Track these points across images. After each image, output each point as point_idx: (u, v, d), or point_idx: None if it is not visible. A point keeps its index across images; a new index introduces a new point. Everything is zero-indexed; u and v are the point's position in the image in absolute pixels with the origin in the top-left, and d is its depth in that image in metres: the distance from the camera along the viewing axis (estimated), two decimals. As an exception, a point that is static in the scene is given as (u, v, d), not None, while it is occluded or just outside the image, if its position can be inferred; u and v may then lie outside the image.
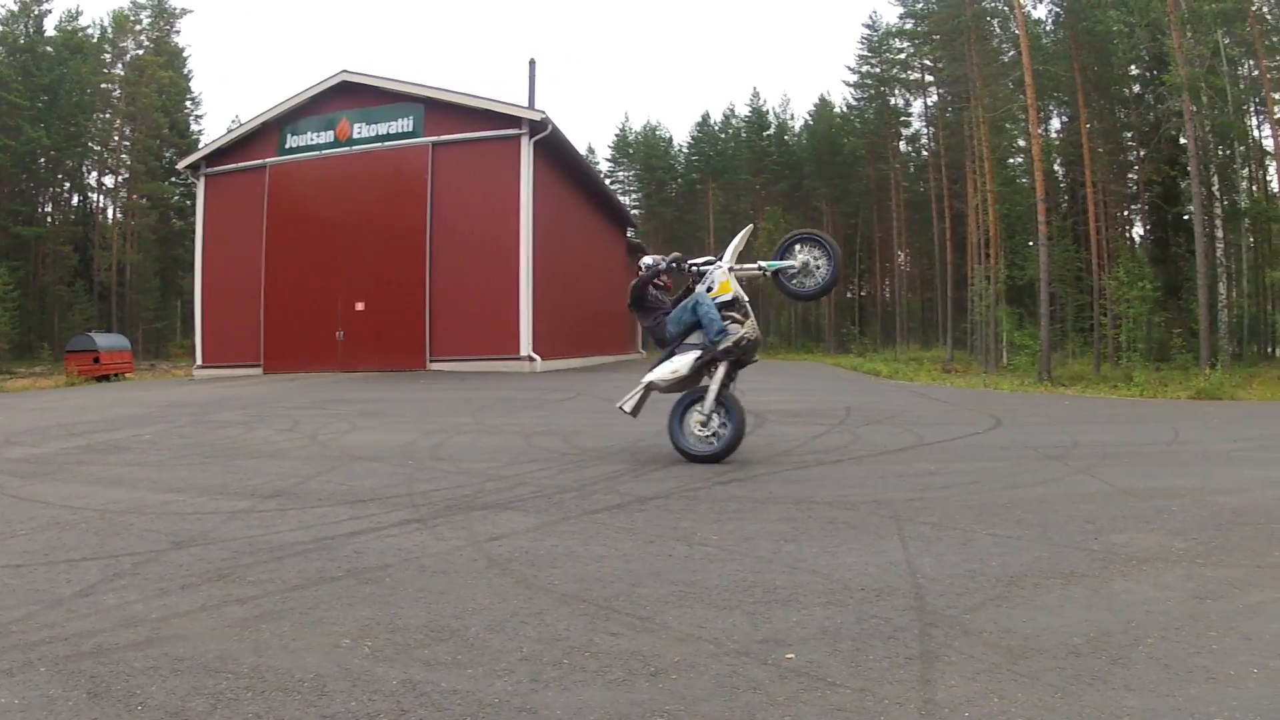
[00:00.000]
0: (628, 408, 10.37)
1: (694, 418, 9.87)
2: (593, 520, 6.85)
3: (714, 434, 9.80)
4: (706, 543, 6.10)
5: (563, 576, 5.31)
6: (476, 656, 4.00)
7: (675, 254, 10.68)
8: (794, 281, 10.17)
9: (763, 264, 10.25)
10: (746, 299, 10.11)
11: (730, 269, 10.09)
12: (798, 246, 10.21)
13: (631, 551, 5.90)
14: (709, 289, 9.99)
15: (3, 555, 6.06)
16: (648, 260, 10.57)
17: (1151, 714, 3.42)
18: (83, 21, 75.93)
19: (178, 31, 79.94)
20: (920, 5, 62.29)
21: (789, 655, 3.99)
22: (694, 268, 10.32)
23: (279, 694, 3.60)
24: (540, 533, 6.44)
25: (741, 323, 9.86)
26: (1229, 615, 4.57)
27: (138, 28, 76.04)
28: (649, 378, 10.13)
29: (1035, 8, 50.46)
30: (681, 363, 9.90)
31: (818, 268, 10.08)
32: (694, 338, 9.99)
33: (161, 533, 6.57)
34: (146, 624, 4.47)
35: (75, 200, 77.95)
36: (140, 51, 75.21)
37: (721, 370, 9.76)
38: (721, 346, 9.66)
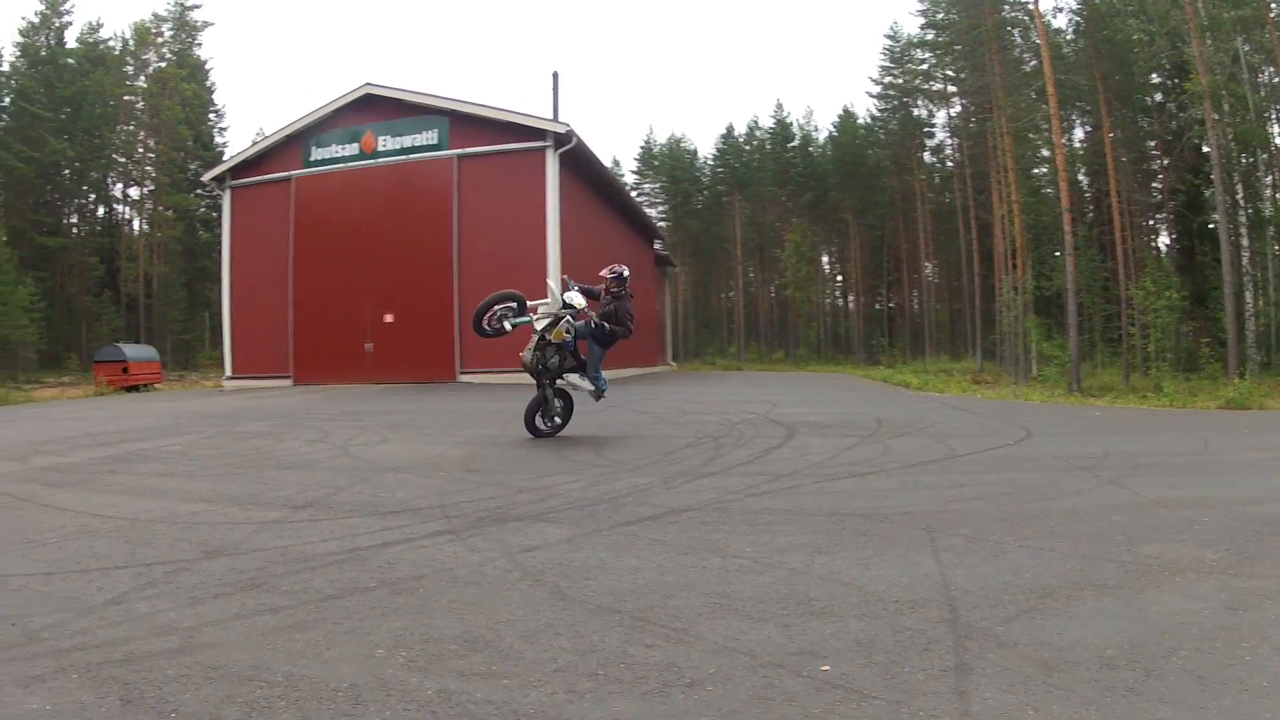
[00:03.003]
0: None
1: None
2: (625, 532, 6.83)
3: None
4: (740, 555, 6.08)
5: (596, 588, 5.31)
6: (511, 667, 4.00)
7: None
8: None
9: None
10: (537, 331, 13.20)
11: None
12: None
13: (665, 563, 5.89)
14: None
15: (33, 563, 6.09)
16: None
17: (1185, 726, 3.39)
18: (104, 34, 76.10)
19: (199, 44, 79.96)
20: (941, 16, 61.80)
21: (824, 667, 3.98)
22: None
23: (313, 703, 3.61)
24: (573, 544, 6.43)
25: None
26: (1262, 626, 4.55)
27: (159, 40, 76.17)
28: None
29: (1055, 17, 50.10)
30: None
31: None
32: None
33: (192, 542, 6.58)
34: (179, 632, 4.49)
35: (100, 211, 78.21)
36: (163, 64, 75.39)
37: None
38: None
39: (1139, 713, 3.51)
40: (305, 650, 4.23)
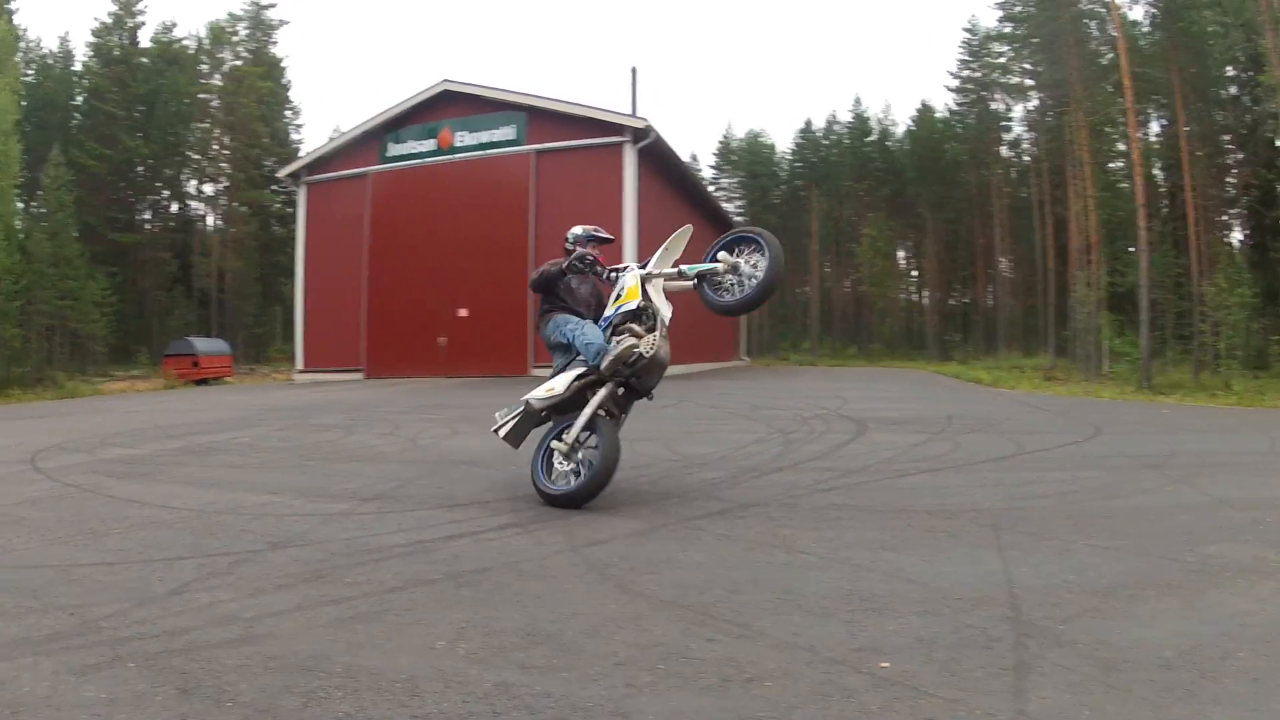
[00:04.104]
0: (502, 433, 8.48)
1: (558, 448, 7.95)
2: (693, 526, 6.85)
3: (574, 469, 7.90)
4: (806, 550, 6.09)
5: (661, 582, 5.33)
6: (572, 660, 4.03)
7: (583, 253, 8.51)
8: (720, 290, 8.11)
9: (683, 268, 8.20)
10: (662, 309, 8.16)
11: (649, 274, 8.22)
12: (736, 248, 8.27)
13: (731, 558, 5.90)
14: (617, 296, 8.29)
15: (96, 553, 6.18)
16: (577, 231, 9.04)
17: (1238, 728, 3.40)
18: (178, 33, 77.64)
19: (275, 43, 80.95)
20: (1019, 8, 61.43)
21: (884, 664, 3.99)
22: (611, 273, 8.53)
23: (371, 693, 3.65)
24: (640, 538, 6.46)
25: (641, 337, 7.91)
26: (1324, 629, 4.50)
27: (234, 39, 77.16)
28: (526, 396, 8.31)
29: (1132, 8, 49.51)
30: (559, 382, 8.18)
31: (753, 275, 8.05)
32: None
33: (258, 533, 6.68)
34: (239, 623, 4.55)
35: (174, 208, 79.23)
36: (238, 62, 76.34)
37: (602, 394, 7.97)
38: (603, 367, 7.86)
39: (1194, 714, 3.51)
40: (366, 641, 4.28)
